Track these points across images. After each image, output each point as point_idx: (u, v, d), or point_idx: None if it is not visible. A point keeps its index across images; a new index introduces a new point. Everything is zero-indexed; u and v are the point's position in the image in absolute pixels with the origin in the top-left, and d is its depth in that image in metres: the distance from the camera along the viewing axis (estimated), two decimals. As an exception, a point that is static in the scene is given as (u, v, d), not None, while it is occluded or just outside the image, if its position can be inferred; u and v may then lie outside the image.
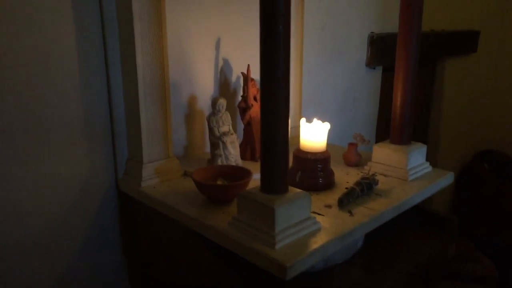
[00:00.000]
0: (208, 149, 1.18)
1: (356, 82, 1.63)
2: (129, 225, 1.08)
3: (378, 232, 0.88)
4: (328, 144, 0.97)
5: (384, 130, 1.84)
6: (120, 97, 1.00)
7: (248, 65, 1.08)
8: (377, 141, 1.19)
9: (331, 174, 0.97)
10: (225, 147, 1.02)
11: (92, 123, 0.98)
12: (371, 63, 1.64)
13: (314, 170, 0.94)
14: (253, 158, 1.12)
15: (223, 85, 1.19)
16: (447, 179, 1.04)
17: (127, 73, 0.96)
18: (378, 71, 1.72)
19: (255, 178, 0.92)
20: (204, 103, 1.16)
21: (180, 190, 0.95)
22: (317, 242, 0.73)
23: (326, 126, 0.95)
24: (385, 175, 1.02)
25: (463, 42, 2.20)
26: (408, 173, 0.99)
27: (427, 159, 1.07)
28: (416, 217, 1.08)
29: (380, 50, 1.64)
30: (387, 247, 0.99)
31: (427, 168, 1.06)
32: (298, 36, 1.28)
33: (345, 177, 1.02)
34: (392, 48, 1.71)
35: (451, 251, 1.46)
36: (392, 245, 1.00)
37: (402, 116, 1.02)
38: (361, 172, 1.05)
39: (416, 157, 1.03)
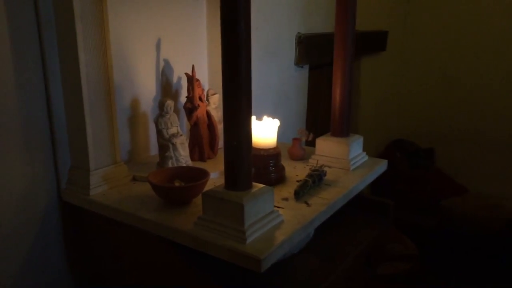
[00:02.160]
0: (153, 152, 1.16)
1: (287, 80, 1.69)
2: (76, 238, 1.02)
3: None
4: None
5: (313, 125, 1.94)
6: (59, 100, 0.94)
7: (193, 65, 1.07)
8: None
9: (282, 168, 1.01)
10: (175, 149, 1.01)
11: (29, 129, 0.91)
12: (299, 62, 1.72)
13: (267, 166, 0.97)
14: (201, 159, 1.12)
15: (165, 86, 1.17)
16: (382, 166, 1.14)
17: (68, 75, 0.90)
18: (306, 70, 1.80)
19: (212, 177, 0.93)
20: (146, 105, 1.13)
21: (132, 196, 0.92)
22: (284, 234, 0.76)
23: (276, 122, 0.99)
24: (329, 167, 1.08)
25: (374, 42, 2.39)
26: (350, 163, 1.07)
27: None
28: (353, 203, 1.16)
29: (307, 49, 1.73)
30: (335, 234, 1.06)
31: (364, 157, 1.15)
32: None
33: (293, 171, 1.07)
34: (317, 48, 1.83)
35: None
36: (338, 231, 1.07)
37: (342, 111, 1.09)
38: (307, 165, 1.10)
39: (356, 148, 1.11)
